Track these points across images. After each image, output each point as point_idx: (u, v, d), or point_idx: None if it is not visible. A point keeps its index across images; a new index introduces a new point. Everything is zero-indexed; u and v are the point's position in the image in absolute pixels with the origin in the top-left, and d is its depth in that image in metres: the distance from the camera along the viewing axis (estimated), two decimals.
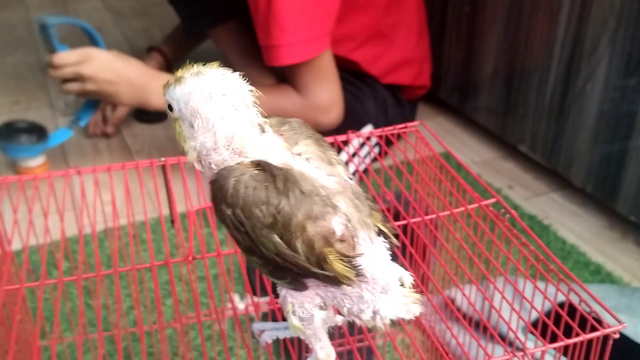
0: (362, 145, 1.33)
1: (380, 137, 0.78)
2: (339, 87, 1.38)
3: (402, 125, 0.78)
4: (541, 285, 0.66)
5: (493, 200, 0.67)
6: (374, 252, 0.47)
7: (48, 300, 1.16)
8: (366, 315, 0.48)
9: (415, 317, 0.49)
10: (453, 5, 1.61)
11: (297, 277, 0.46)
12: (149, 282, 1.20)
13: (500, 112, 1.54)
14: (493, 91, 1.55)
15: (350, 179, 0.49)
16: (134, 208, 0.72)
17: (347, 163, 0.54)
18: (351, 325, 0.97)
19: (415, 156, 0.79)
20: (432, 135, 0.80)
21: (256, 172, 0.45)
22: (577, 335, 0.53)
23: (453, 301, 0.98)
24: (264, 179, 0.45)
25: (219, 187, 0.45)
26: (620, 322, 0.52)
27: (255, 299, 1.07)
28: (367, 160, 1.32)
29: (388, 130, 0.78)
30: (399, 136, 0.78)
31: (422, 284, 0.59)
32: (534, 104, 1.43)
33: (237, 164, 0.46)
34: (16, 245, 0.74)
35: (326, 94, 1.35)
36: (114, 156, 1.59)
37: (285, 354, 0.91)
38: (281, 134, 0.48)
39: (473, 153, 1.58)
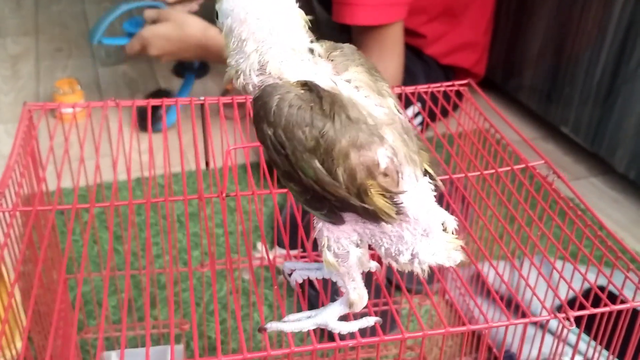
0: (414, 116, 1.31)
1: (426, 93, 0.76)
2: (401, 62, 1.35)
3: (450, 83, 0.76)
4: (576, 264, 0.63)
5: (541, 161, 0.64)
6: (418, 191, 0.45)
7: (77, 241, 1.17)
8: (404, 258, 0.46)
9: (443, 290, 0.46)
10: None
11: (335, 209, 0.44)
12: (178, 232, 1.20)
13: (544, 91, 1.49)
14: (539, 70, 1.50)
15: (401, 112, 0.46)
16: (171, 158, 0.70)
17: None
18: (377, 290, 0.96)
19: (465, 119, 0.76)
20: (486, 102, 0.78)
21: (302, 91, 0.43)
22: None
23: (485, 275, 0.96)
24: (309, 99, 0.42)
25: (262, 105, 0.43)
26: None
27: (283, 251, 1.06)
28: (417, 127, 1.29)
29: (434, 86, 0.75)
30: (443, 111, 0.75)
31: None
32: (581, 84, 1.39)
33: (283, 83, 0.44)
34: (51, 180, 0.73)
35: (385, 65, 1.32)
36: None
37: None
38: (332, 60, 0.46)
39: (513, 132, 1.54)
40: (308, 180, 0.43)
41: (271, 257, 0.85)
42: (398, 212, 0.44)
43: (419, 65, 1.47)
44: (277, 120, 0.42)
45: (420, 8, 1.39)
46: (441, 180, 0.65)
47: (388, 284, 1.03)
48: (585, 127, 1.40)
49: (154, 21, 1.36)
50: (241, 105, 0.76)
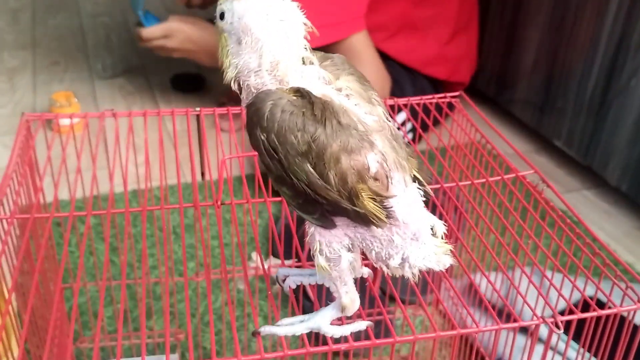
0: (404, 122, 1.32)
1: (418, 105, 0.77)
2: (374, 67, 1.38)
3: (442, 95, 0.77)
4: (572, 273, 0.64)
5: (531, 171, 0.65)
6: (407, 196, 0.46)
7: (73, 252, 1.17)
8: (395, 262, 0.47)
9: (437, 300, 0.47)
10: None
11: (326, 213, 0.45)
12: (174, 243, 1.20)
13: (537, 104, 1.51)
14: (532, 83, 1.52)
15: (390, 120, 0.47)
16: (168, 165, 0.71)
17: None
18: (371, 299, 0.97)
19: (456, 130, 0.77)
20: (476, 112, 0.79)
21: (294, 97, 0.44)
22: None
23: (478, 286, 0.97)
24: (302, 104, 0.44)
25: (255, 110, 0.44)
26: None
27: (278, 260, 1.07)
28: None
29: (426, 98, 0.77)
30: (434, 122, 0.77)
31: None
32: (574, 97, 1.40)
33: (276, 89, 0.45)
34: (48, 191, 0.74)
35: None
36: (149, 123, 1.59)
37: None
38: (323, 69, 0.47)
39: (506, 145, 1.55)
40: (300, 184, 0.44)
41: (266, 266, 0.86)
42: (388, 216, 0.45)
43: (405, 75, 1.49)
44: (270, 126, 0.43)
45: (377, 25, 1.41)
46: (433, 189, 0.66)
47: (382, 295, 1.04)
48: (578, 140, 1.41)
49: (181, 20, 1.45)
50: (236, 117, 0.77)
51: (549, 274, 0.63)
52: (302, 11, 0.46)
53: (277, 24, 0.45)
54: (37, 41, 2.00)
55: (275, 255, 1.10)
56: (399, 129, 0.77)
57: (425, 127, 1.39)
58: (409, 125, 1.42)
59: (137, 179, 0.82)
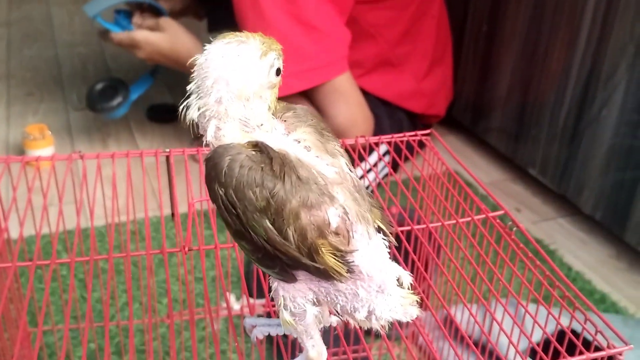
0: (378, 161, 1.32)
1: (389, 144, 0.77)
2: (360, 107, 1.38)
3: (413, 133, 0.77)
4: (544, 308, 0.64)
5: (501, 212, 0.65)
6: (371, 249, 0.45)
7: (44, 290, 1.15)
8: (360, 315, 0.46)
9: (414, 333, 0.47)
10: (472, 23, 1.60)
11: (287, 267, 0.44)
12: (146, 279, 1.19)
13: (512, 133, 1.52)
14: (506, 112, 1.54)
15: (352, 171, 0.47)
16: (136, 205, 0.70)
17: (361, 178, 0.52)
18: (347, 334, 0.96)
19: (427, 170, 0.77)
20: (446, 149, 0.79)
21: (253, 152, 0.44)
22: (581, 354, 0.51)
23: (452, 319, 0.96)
24: (260, 160, 0.43)
25: (213, 165, 0.43)
26: (626, 343, 0.51)
27: (251, 300, 1.06)
28: (380, 175, 1.31)
29: (398, 136, 0.77)
30: (411, 152, 0.77)
31: (425, 298, 0.58)
32: (547, 127, 1.42)
33: (234, 144, 0.44)
34: (14, 227, 0.73)
35: (344, 115, 1.36)
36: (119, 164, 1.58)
37: (278, 357, 0.90)
38: (284, 120, 0.47)
39: (482, 174, 1.56)
40: (259, 240, 0.43)
41: (238, 307, 0.85)
42: (349, 271, 0.44)
43: (381, 107, 1.50)
44: (228, 181, 0.43)
45: (353, 62, 1.42)
46: (404, 231, 0.66)
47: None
48: (552, 169, 1.42)
49: (151, 28, 1.41)
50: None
51: (530, 307, 0.63)
52: (282, 57, 0.46)
53: (234, 70, 0.44)
54: (12, 72, 1.99)
55: (251, 295, 1.09)
56: (372, 168, 0.77)
57: (396, 165, 1.40)
58: (380, 165, 1.43)
59: (105, 214, 0.80)
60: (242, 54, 0.44)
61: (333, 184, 0.44)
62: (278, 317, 0.53)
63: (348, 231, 0.44)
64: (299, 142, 0.46)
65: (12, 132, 1.65)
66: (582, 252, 1.32)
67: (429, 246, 0.66)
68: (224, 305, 0.96)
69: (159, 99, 1.77)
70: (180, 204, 0.71)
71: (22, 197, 0.73)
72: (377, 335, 1.02)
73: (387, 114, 1.50)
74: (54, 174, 0.77)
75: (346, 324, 0.55)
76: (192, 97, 0.45)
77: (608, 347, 0.51)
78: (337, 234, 0.44)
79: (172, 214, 0.76)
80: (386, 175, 1.42)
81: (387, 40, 1.47)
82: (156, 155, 0.73)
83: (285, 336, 0.97)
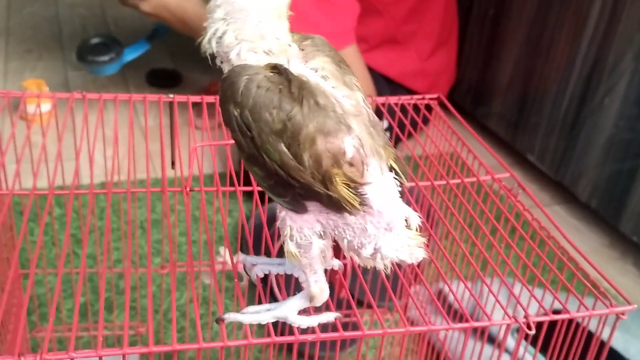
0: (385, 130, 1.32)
1: (396, 105, 0.76)
2: (364, 81, 1.37)
3: (420, 96, 0.76)
4: (542, 285, 0.64)
5: (507, 174, 0.65)
6: (383, 185, 0.45)
7: (36, 243, 1.14)
8: (367, 251, 0.46)
9: (405, 306, 0.46)
10: (479, 6, 1.60)
11: (298, 196, 0.44)
12: (141, 238, 1.18)
13: (512, 119, 1.52)
14: (508, 98, 1.53)
15: (369, 107, 0.46)
16: (137, 164, 0.69)
17: None
18: (339, 302, 0.95)
19: (433, 131, 0.77)
20: (454, 114, 0.79)
21: (271, 73, 0.43)
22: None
23: (442, 294, 0.96)
24: (279, 81, 0.42)
25: (230, 84, 0.42)
26: (629, 302, 0.50)
27: (243, 256, 1.05)
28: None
29: (405, 99, 0.76)
30: (413, 126, 0.76)
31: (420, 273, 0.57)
32: (548, 114, 1.41)
33: (252, 64, 0.43)
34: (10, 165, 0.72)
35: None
36: (120, 112, 1.57)
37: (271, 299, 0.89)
38: (302, 49, 0.46)
39: (481, 157, 1.56)
40: (273, 164, 0.42)
41: (234, 261, 0.84)
42: (362, 203, 0.43)
43: (384, 84, 1.49)
44: (245, 101, 0.42)
45: (359, 37, 1.41)
46: (408, 188, 0.66)
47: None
48: (551, 156, 1.42)
49: None
50: (210, 106, 0.76)
51: (519, 283, 0.63)
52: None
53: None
54: (11, 29, 1.96)
55: (245, 252, 1.08)
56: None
57: (403, 131, 1.39)
58: (387, 134, 1.43)
59: (105, 171, 0.79)
60: None
61: (349, 115, 0.44)
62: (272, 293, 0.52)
63: (363, 163, 0.43)
64: (317, 70, 0.45)
65: (9, 87, 1.63)
66: (576, 240, 1.32)
67: (432, 206, 0.65)
68: (220, 259, 0.95)
69: (159, 64, 1.75)
70: (182, 161, 0.70)
71: (20, 143, 0.72)
72: (369, 306, 1.02)
73: (390, 92, 1.49)
74: (54, 117, 0.76)
75: (342, 283, 0.54)
76: (220, 23, 0.44)
77: (611, 305, 0.50)
78: (351, 164, 0.43)
79: (173, 163, 0.75)
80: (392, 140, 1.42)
81: (393, 17, 1.46)
82: (159, 100, 0.72)
83: (276, 299, 0.96)
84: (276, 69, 0.43)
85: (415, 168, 0.98)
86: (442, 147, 0.73)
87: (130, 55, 1.51)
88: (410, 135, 0.79)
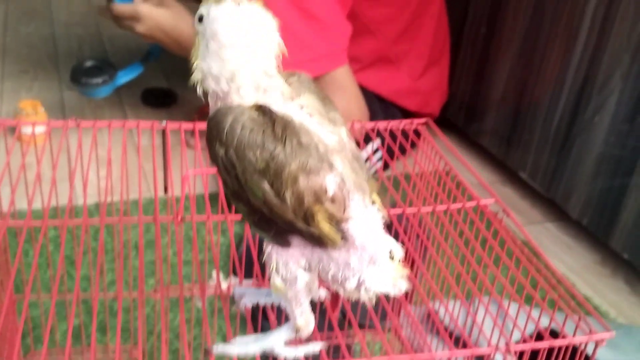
0: (373, 153, 1.33)
1: (385, 130, 0.78)
2: (357, 101, 1.39)
3: (409, 121, 0.78)
4: (528, 306, 0.65)
5: (492, 200, 0.66)
6: (366, 219, 0.46)
7: (31, 265, 1.14)
8: (350, 285, 0.47)
9: (396, 328, 0.47)
10: (471, 24, 1.62)
11: (282, 231, 0.45)
12: (134, 259, 1.19)
13: (504, 136, 1.53)
14: (500, 115, 1.55)
15: (351, 141, 0.47)
16: (130, 184, 0.70)
17: None
18: (330, 324, 0.96)
19: (422, 158, 0.78)
20: (442, 140, 0.80)
21: (256, 114, 0.44)
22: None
23: (436, 314, 0.97)
24: (262, 122, 0.44)
25: (216, 124, 0.44)
26: (608, 329, 0.51)
27: (235, 279, 1.06)
28: (376, 166, 1.32)
29: (394, 123, 0.77)
30: (402, 149, 0.77)
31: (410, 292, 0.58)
32: (540, 132, 1.43)
33: (238, 105, 0.45)
34: (5, 195, 0.73)
35: (341, 107, 1.36)
36: (114, 135, 1.58)
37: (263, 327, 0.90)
38: (288, 85, 0.47)
39: (471, 175, 1.57)
40: (257, 201, 0.44)
41: (225, 286, 0.85)
42: (343, 238, 0.45)
43: (376, 103, 1.50)
44: (230, 141, 0.43)
45: (354, 56, 1.42)
46: (396, 215, 0.67)
47: (342, 318, 1.04)
48: (542, 173, 1.43)
49: (154, 4, 1.38)
50: (203, 134, 0.77)
51: (507, 303, 0.64)
52: (284, 44, 0.46)
53: (246, 34, 0.45)
54: (7, 48, 1.98)
55: (237, 275, 1.09)
56: (369, 157, 0.78)
57: (392, 154, 1.40)
58: (378, 154, 1.44)
59: (99, 192, 0.80)
60: (256, 16, 0.45)
61: (333, 151, 0.45)
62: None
63: (344, 199, 0.44)
64: (302, 107, 0.46)
65: (4, 107, 1.65)
66: (567, 257, 1.33)
67: (419, 234, 0.66)
68: (212, 283, 0.96)
69: (154, 83, 1.77)
70: (175, 183, 0.71)
71: (15, 165, 0.73)
72: (361, 325, 1.02)
73: (382, 110, 1.51)
74: (48, 140, 0.77)
75: (333, 303, 0.55)
76: (210, 60, 0.46)
77: (590, 332, 0.51)
78: (333, 201, 0.44)
79: (165, 189, 0.76)
80: (381, 165, 1.43)
81: (385, 37, 1.48)
82: (152, 127, 0.73)
83: (268, 320, 0.97)
84: (261, 109, 0.44)
85: (404, 195, 1.00)
86: (430, 172, 0.74)
87: (124, 78, 1.52)
88: (399, 157, 0.80)
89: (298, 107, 0.46)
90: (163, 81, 1.84)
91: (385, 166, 1.43)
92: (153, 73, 1.83)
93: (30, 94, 1.71)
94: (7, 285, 0.77)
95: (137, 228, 1.26)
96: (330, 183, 0.44)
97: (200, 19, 0.47)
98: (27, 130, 1.41)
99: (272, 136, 0.43)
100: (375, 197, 0.48)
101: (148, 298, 1.04)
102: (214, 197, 1.28)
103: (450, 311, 0.82)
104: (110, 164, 0.68)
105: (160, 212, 1.27)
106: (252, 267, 1.04)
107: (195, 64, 0.47)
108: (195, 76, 0.46)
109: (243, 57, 0.45)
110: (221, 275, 0.98)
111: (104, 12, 1.43)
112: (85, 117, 1.63)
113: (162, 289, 0.64)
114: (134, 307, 1.07)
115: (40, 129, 1.49)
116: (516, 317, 0.60)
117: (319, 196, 0.44)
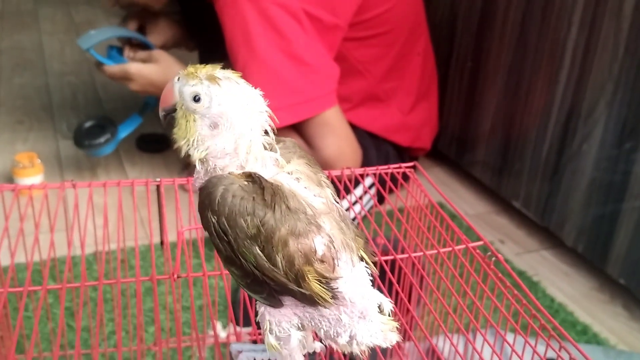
0: (364, 193, 1.35)
1: (374, 175, 0.79)
2: (348, 140, 1.41)
3: (397, 165, 0.79)
4: (525, 338, 0.66)
5: (480, 242, 0.68)
6: (354, 276, 0.47)
7: (30, 318, 1.15)
8: (342, 340, 0.48)
9: None
10: (457, 59, 1.65)
11: (274, 293, 0.46)
12: (133, 308, 1.19)
13: (496, 167, 1.55)
14: (490, 146, 1.57)
15: (338, 202, 0.49)
16: (126, 233, 0.72)
17: (347, 210, 0.54)
18: None
19: (410, 201, 0.79)
20: (429, 182, 0.82)
21: (245, 182, 0.46)
22: None
23: (434, 350, 0.97)
24: (252, 190, 0.46)
25: (207, 194, 0.46)
26: None
27: (238, 329, 1.07)
28: (366, 208, 1.34)
29: (382, 168, 0.79)
30: (395, 184, 0.79)
31: (408, 328, 0.59)
32: (530, 161, 1.45)
33: (229, 173, 0.47)
34: (4, 257, 0.74)
35: (332, 147, 1.39)
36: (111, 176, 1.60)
37: None
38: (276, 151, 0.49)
39: (467, 206, 1.59)
40: (248, 265, 0.45)
41: (224, 335, 0.86)
42: (334, 297, 0.46)
43: (368, 139, 1.53)
44: (221, 209, 0.45)
45: (344, 96, 1.45)
46: (387, 260, 0.68)
47: None
48: (535, 202, 1.45)
49: (143, 60, 1.43)
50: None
51: (510, 336, 0.65)
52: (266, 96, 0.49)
53: (247, 110, 0.47)
54: (2, 100, 2.00)
55: (237, 323, 1.10)
56: (357, 200, 0.79)
57: (382, 197, 1.42)
58: (366, 197, 1.46)
59: (96, 241, 0.81)
60: (248, 91, 0.47)
61: (320, 213, 0.47)
62: (264, 343, 0.54)
63: (333, 259, 0.46)
64: (291, 173, 0.48)
65: (1, 160, 1.66)
66: (564, 284, 1.34)
67: (412, 276, 0.68)
68: (211, 333, 0.97)
69: (148, 129, 1.79)
70: (170, 233, 0.72)
71: (13, 224, 0.74)
72: None
73: (374, 147, 1.53)
74: (46, 202, 0.78)
75: (331, 354, 0.56)
76: (203, 133, 0.48)
77: None
78: (322, 261, 0.46)
79: (162, 242, 0.78)
80: (372, 207, 1.45)
81: (374, 76, 1.50)
82: (147, 184, 0.75)
83: None
84: (251, 177, 0.46)
85: (396, 241, 1.01)
86: (419, 216, 0.76)
87: (125, 131, 1.55)
88: (388, 201, 0.81)
89: (286, 173, 0.48)
90: (157, 127, 1.86)
91: (371, 210, 1.45)
92: (147, 119, 1.85)
93: (26, 145, 1.73)
94: (10, 348, 0.78)
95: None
96: (319, 244, 0.46)
97: (197, 99, 0.48)
98: (23, 182, 1.43)
99: (262, 203, 0.45)
100: (363, 253, 0.49)
101: (149, 350, 1.04)
102: (209, 244, 1.29)
103: (446, 347, 0.82)
104: (106, 222, 0.70)
105: (157, 260, 1.28)
106: (249, 315, 1.05)
107: (191, 141, 0.48)
108: (197, 154, 0.48)
109: (247, 132, 0.47)
110: (220, 325, 0.99)
111: (100, 68, 1.47)
112: (81, 166, 1.65)
113: (159, 342, 0.65)
114: (135, 357, 1.08)
115: (37, 181, 1.51)
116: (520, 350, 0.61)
117: (308, 258, 0.45)
